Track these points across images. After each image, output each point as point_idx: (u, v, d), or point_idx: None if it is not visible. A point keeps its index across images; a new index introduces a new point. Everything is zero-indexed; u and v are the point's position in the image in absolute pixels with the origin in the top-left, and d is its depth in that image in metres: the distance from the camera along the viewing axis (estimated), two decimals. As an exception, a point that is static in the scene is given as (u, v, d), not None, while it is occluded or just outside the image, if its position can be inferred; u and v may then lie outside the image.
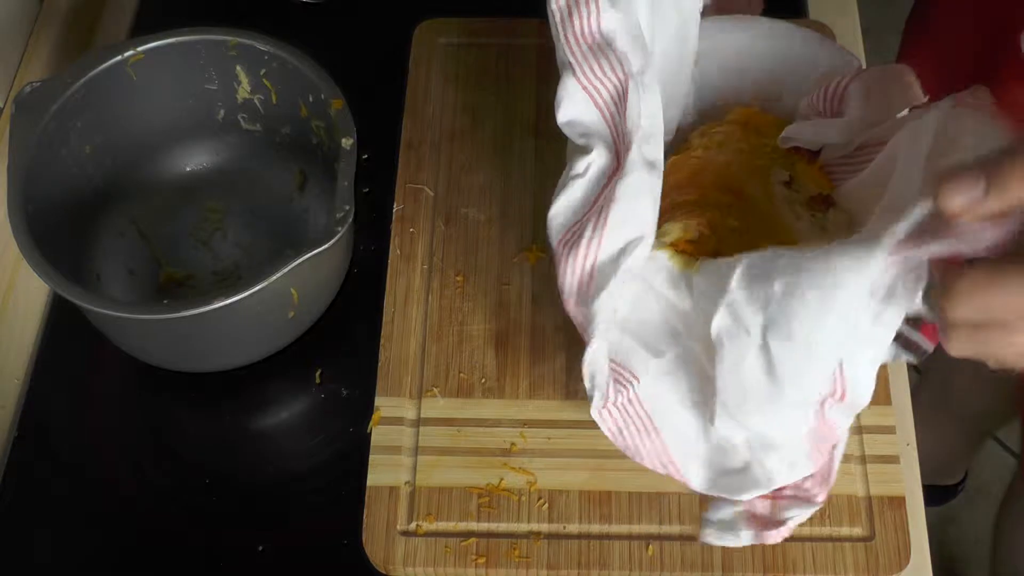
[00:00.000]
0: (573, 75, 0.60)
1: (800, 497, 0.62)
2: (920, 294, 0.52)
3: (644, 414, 0.64)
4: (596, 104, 0.61)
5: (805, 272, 0.54)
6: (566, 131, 0.62)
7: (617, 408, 0.64)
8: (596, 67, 0.60)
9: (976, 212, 0.47)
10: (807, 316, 0.54)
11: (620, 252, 0.60)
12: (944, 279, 0.49)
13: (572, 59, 0.60)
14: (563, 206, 0.61)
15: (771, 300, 0.55)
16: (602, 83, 0.60)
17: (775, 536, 0.61)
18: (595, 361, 0.62)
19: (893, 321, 0.54)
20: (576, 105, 0.61)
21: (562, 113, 0.61)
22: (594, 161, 0.61)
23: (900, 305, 0.53)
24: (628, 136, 0.60)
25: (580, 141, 0.61)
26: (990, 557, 1.40)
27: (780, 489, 0.62)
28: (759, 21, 0.74)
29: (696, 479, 0.63)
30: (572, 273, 0.60)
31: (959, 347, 0.49)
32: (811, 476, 0.62)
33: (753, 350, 0.56)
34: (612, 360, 0.64)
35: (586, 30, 0.60)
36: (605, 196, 0.60)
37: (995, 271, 0.46)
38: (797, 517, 0.61)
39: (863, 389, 0.57)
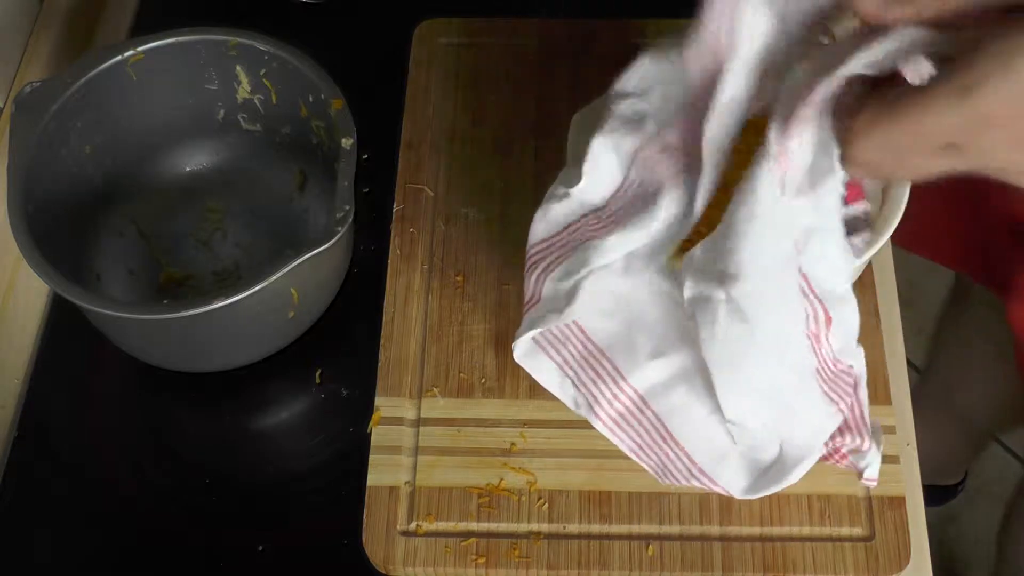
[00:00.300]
0: (604, 136, 0.61)
1: (852, 452, 0.64)
2: (837, 156, 0.51)
3: (655, 419, 0.64)
4: (628, 165, 0.61)
5: (736, 205, 0.54)
6: (569, 151, 0.64)
7: (624, 420, 0.65)
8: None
9: (889, 14, 0.47)
10: (745, 241, 0.53)
11: (550, 302, 0.62)
12: (842, 117, 0.48)
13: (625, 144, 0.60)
14: (540, 220, 0.63)
15: (716, 245, 0.55)
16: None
17: (870, 483, 0.65)
18: (549, 383, 0.65)
19: (831, 201, 0.52)
20: (603, 154, 0.61)
21: (587, 169, 0.61)
22: (573, 194, 0.62)
23: (828, 181, 0.51)
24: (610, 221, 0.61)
25: (583, 167, 0.62)
26: (994, 557, 1.40)
27: (832, 457, 0.64)
28: None
29: (736, 487, 0.63)
30: (527, 288, 0.63)
31: (863, 175, 0.50)
32: (848, 431, 0.62)
33: (721, 308, 0.56)
34: (596, 345, 0.64)
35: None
36: (572, 235, 0.62)
37: (893, 103, 0.46)
38: (869, 468, 0.64)
39: (840, 299, 0.55)
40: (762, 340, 0.56)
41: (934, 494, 1.54)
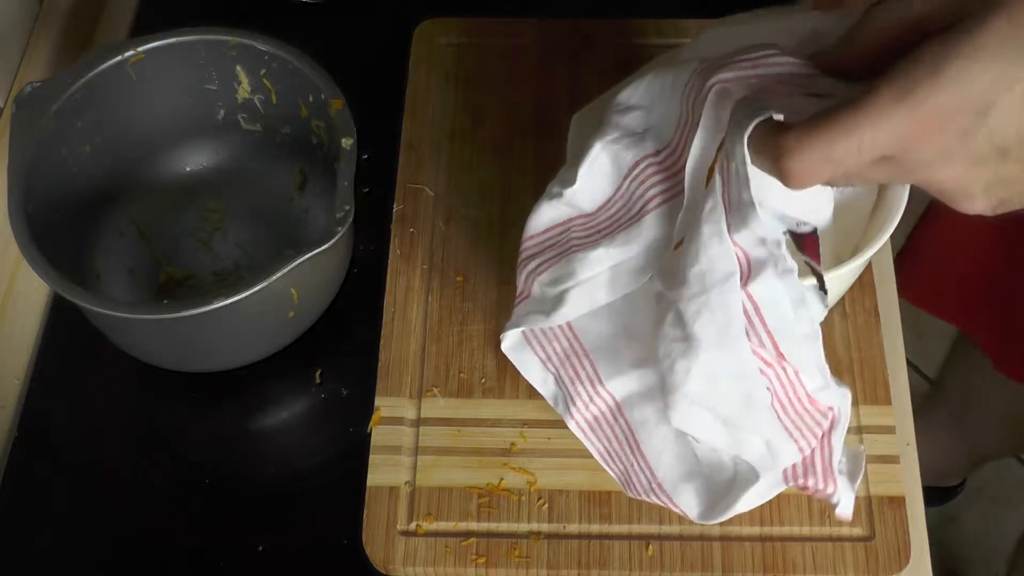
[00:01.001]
0: (603, 145, 0.61)
1: (820, 496, 0.62)
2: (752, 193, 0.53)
3: (627, 428, 0.64)
4: (623, 177, 0.62)
5: (687, 219, 0.55)
6: (569, 151, 0.64)
7: (598, 424, 0.65)
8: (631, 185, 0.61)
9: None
10: (691, 248, 0.54)
11: (536, 302, 0.62)
12: (766, 143, 0.49)
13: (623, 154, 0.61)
14: (534, 215, 0.64)
15: (678, 251, 0.56)
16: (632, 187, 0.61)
17: (843, 518, 0.61)
18: (533, 378, 0.65)
19: (774, 237, 0.54)
20: (603, 162, 0.62)
21: (583, 172, 0.62)
22: (566, 195, 0.62)
23: (751, 214, 0.53)
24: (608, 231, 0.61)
25: (580, 168, 0.62)
26: (1010, 558, 1.40)
27: (806, 490, 0.62)
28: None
29: (693, 510, 0.63)
30: (518, 282, 0.64)
31: (799, 186, 0.50)
32: (812, 474, 0.60)
33: (671, 309, 0.56)
34: (581, 346, 0.64)
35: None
36: (561, 236, 0.62)
37: (829, 113, 0.47)
38: (840, 505, 0.60)
39: (802, 338, 0.55)
40: (697, 348, 0.56)
41: (934, 495, 1.54)
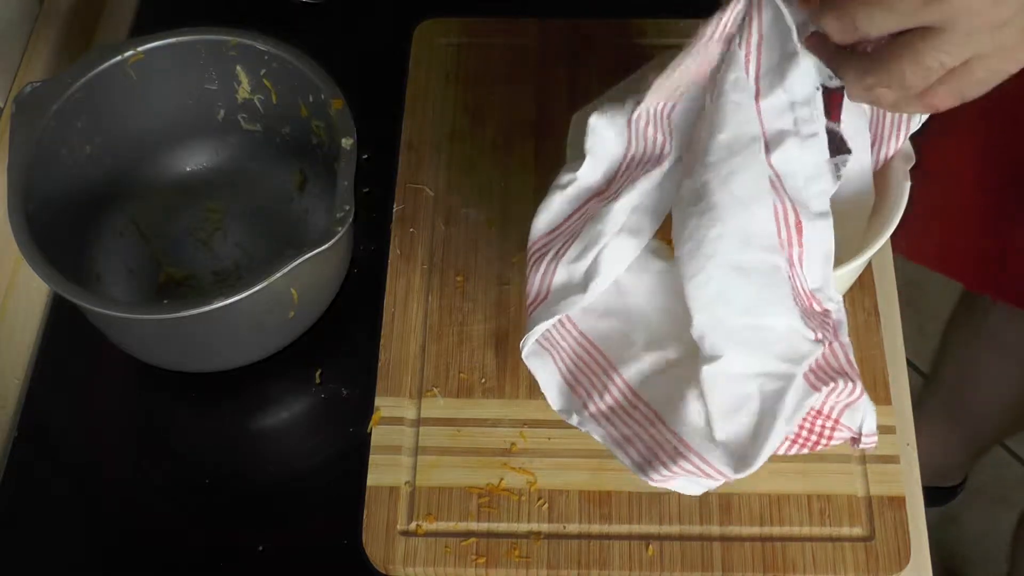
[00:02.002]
0: (633, 109, 0.61)
1: (846, 407, 0.61)
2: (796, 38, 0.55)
3: (647, 408, 0.63)
4: (627, 136, 0.62)
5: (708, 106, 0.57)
6: (569, 151, 0.63)
7: (615, 413, 0.64)
8: (647, 128, 0.61)
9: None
10: (712, 128, 0.56)
11: (564, 288, 0.62)
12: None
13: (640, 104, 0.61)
14: (543, 212, 0.63)
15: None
16: (644, 137, 0.62)
17: (870, 441, 0.62)
18: (548, 386, 0.64)
19: (804, 94, 0.55)
20: (603, 129, 0.62)
21: (590, 145, 0.62)
22: (579, 177, 0.62)
23: (792, 66, 0.55)
24: (623, 189, 0.61)
25: (586, 144, 0.62)
26: (1007, 563, 1.39)
27: (823, 433, 0.62)
28: None
29: (727, 466, 0.59)
30: (532, 285, 0.63)
31: (854, 90, 0.54)
32: (840, 375, 0.60)
33: (691, 193, 0.57)
34: (593, 344, 0.64)
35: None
36: (577, 222, 0.62)
37: None
38: (865, 422, 0.61)
39: (815, 215, 0.56)
40: (724, 215, 0.56)
41: (934, 495, 1.54)
